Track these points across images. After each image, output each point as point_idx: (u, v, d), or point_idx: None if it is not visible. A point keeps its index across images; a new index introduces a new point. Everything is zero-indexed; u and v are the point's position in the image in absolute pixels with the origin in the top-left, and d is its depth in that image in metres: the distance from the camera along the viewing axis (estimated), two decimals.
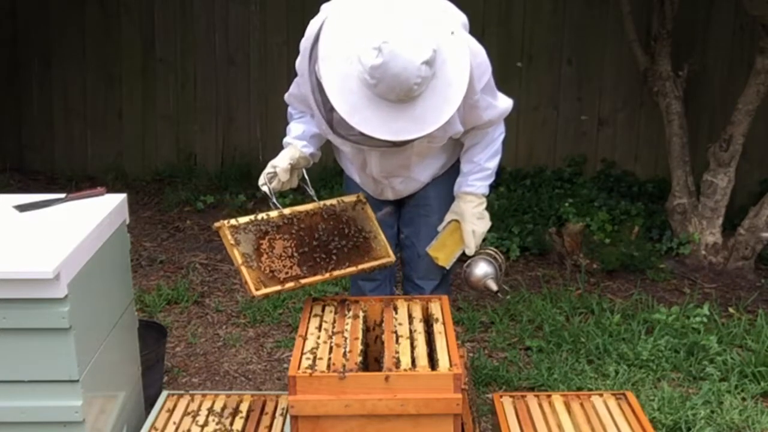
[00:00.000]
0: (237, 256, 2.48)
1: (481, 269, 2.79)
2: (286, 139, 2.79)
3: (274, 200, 2.64)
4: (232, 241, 2.50)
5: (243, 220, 2.56)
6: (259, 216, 2.58)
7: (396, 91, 2.28)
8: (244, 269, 2.47)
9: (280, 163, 2.69)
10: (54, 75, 6.14)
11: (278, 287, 2.50)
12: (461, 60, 2.38)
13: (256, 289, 2.45)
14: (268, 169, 2.69)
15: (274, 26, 5.89)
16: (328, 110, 2.44)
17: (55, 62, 6.12)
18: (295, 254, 2.55)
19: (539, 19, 5.75)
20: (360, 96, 2.31)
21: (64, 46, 6.08)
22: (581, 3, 5.70)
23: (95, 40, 6.06)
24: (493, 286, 2.78)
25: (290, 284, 2.52)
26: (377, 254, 2.68)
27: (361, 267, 2.64)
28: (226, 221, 2.54)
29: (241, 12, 5.96)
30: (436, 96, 2.34)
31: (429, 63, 2.26)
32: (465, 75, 2.38)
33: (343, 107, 2.33)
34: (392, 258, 2.71)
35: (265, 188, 2.68)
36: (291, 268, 2.53)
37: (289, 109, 2.87)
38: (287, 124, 2.85)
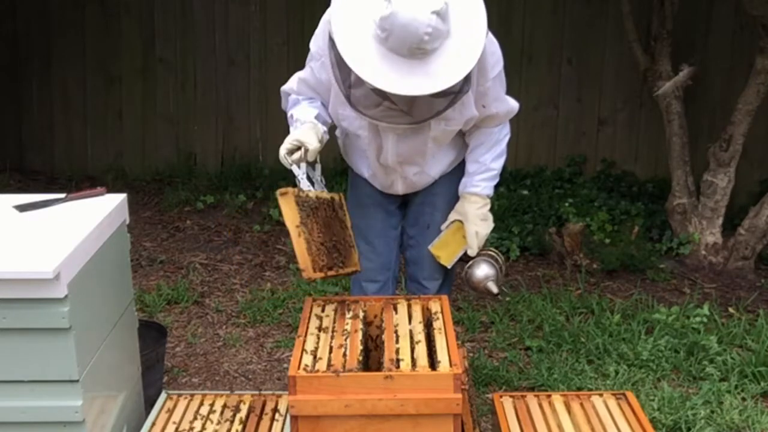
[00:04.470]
0: (303, 231, 2.36)
1: (483, 271, 2.80)
2: (303, 117, 2.65)
3: (318, 176, 2.56)
4: (298, 215, 2.37)
5: (310, 192, 2.45)
6: (316, 193, 2.48)
7: (407, 43, 2.28)
8: (305, 247, 2.36)
9: (309, 141, 2.54)
10: (54, 75, 6.14)
11: (321, 274, 2.42)
12: (478, 23, 2.39)
13: (314, 271, 2.38)
14: (292, 144, 2.53)
15: (274, 26, 5.88)
16: (347, 86, 2.45)
17: (55, 62, 6.12)
18: (326, 242, 2.50)
19: (539, 19, 5.76)
20: (374, 52, 2.34)
21: (64, 46, 6.08)
22: (581, 3, 5.70)
23: (95, 40, 6.06)
24: (494, 289, 2.79)
25: (324, 273, 2.44)
26: (354, 260, 2.63)
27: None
28: (293, 189, 2.41)
29: (241, 12, 5.96)
30: (451, 55, 2.35)
31: (440, 14, 2.27)
32: (481, 37, 2.39)
33: (356, 64, 2.34)
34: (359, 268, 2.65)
35: (295, 168, 2.54)
36: (325, 255, 2.46)
37: (292, 97, 2.76)
38: (287, 122, 2.80)
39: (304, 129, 2.58)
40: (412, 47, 2.29)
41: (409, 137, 2.69)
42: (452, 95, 2.49)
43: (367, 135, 2.71)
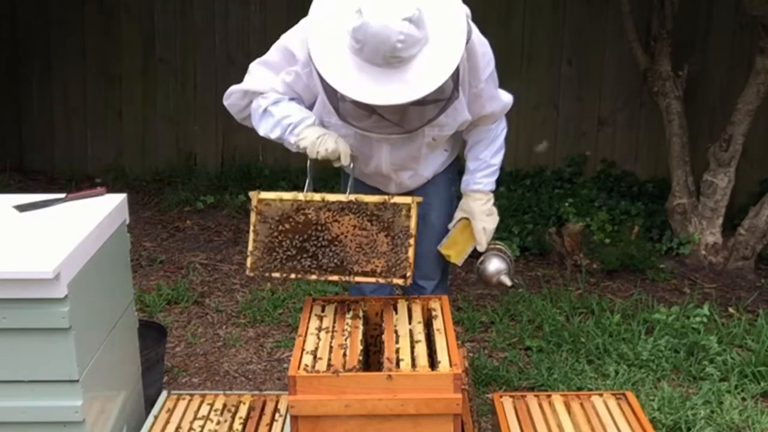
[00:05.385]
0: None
1: (494, 265, 2.85)
2: (311, 117, 2.62)
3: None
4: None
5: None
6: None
7: (380, 52, 2.26)
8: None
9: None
10: (54, 75, 6.14)
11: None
12: (458, 27, 2.36)
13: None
14: (344, 147, 2.57)
15: (274, 26, 5.88)
16: (336, 99, 2.44)
17: (55, 62, 6.12)
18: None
19: (539, 19, 5.76)
20: (350, 65, 2.32)
21: (64, 46, 6.08)
22: (581, 3, 5.70)
23: (95, 40, 6.07)
24: (507, 282, 2.84)
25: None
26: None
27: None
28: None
29: (241, 12, 5.96)
30: (429, 61, 2.32)
31: (413, 21, 2.24)
32: (460, 42, 2.36)
33: (333, 78, 2.33)
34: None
35: (348, 169, 2.62)
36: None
37: (272, 95, 2.69)
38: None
39: (330, 136, 2.57)
40: (387, 56, 2.27)
41: (403, 145, 2.69)
42: (443, 102, 2.46)
43: (352, 144, 2.68)
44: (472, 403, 2.71)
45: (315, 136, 2.57)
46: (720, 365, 3.63)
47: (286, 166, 5.86)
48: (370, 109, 2.43)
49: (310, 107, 2.70)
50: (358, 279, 2.54)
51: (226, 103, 2.85)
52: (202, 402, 2.68)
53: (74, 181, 5.91)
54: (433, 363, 2.25)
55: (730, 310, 4.27)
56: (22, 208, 2.59)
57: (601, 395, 2.68)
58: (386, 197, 2.55)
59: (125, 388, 2.69)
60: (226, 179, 5.98)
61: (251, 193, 2.62)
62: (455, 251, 2.88)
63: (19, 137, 6.25)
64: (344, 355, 2.26)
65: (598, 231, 5.00)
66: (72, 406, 2.23)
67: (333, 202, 2.54)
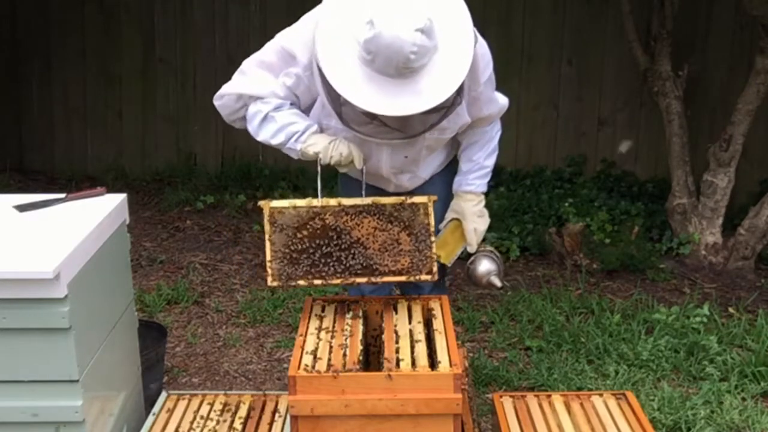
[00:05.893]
0: None
1: (485, 266, 2.85)
2: (315, 124, 2.64)
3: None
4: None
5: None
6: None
7: (393, 63, 2.25)
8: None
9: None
10: (54, 75, 6.14)
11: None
12: (465, 35, 2.35)
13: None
14: (357, 151, 2.59)
15: (274, 26, 5.84)
16: (339, 104, 2.44)
17: (55, 62, 6.12)
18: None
19: (539, 19, 5.76)
20: (361, 75, 2.30)
21: (64, 46, 6.08)
22: (581, 3, 5.70)
23: (95, 40, 6.07)
24: (498, 283, 2.85)
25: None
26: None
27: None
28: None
29: (241, 12, 5.96)
30: (440, 70, 2.31)
31: (424, 31, 2.23)
32: (469, 49, 2.35)
33: (343, 87, 2.32)
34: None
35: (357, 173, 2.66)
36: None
37: (273, 100, 2.71)
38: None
39: (340, 141, 2.59)
40: (399, 67, 2.26)
41: (403, 149, 2.69)
42: (445, 109, 2.46)
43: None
44: (472, 403, 2.71)
45: (326, 142, 2.58)
46: (720, 365, 3.63)
47: (285, 166, 5.86)
48: (372, 115, 2.43)
49: (307, 109, 2.70)
50: (386, 279, 2.54)
51: (217, 103, 2.85)
52: (202, 402, 2.68)
53: (74, 181, 5.91)
54: (433, 363, 2.25)
55: (730, 310, 4.27)
56: (22, 208, 2.59)
57: (601, 395, 2.68)
58: (403, 198, 2.59)
59: (125, 388, 2.69)
60: (226, 179, 5.98)
61: (262, 203, 2.60)
62: (445, 252, 2.88)
63: (19, 137, 6.25)
64: (344, 355, 2.26)
65: (598, 231, 5.00)
66: (72, 406, 2.23)
67: (350, 206, 2.55)
